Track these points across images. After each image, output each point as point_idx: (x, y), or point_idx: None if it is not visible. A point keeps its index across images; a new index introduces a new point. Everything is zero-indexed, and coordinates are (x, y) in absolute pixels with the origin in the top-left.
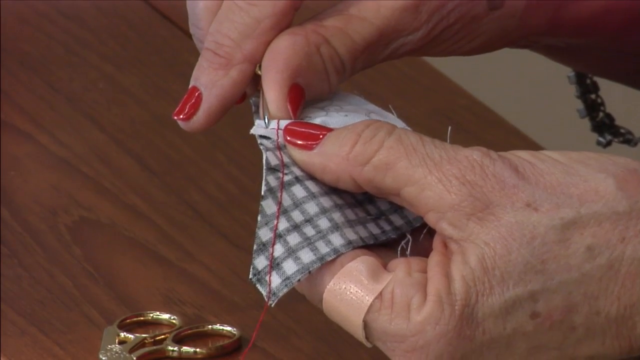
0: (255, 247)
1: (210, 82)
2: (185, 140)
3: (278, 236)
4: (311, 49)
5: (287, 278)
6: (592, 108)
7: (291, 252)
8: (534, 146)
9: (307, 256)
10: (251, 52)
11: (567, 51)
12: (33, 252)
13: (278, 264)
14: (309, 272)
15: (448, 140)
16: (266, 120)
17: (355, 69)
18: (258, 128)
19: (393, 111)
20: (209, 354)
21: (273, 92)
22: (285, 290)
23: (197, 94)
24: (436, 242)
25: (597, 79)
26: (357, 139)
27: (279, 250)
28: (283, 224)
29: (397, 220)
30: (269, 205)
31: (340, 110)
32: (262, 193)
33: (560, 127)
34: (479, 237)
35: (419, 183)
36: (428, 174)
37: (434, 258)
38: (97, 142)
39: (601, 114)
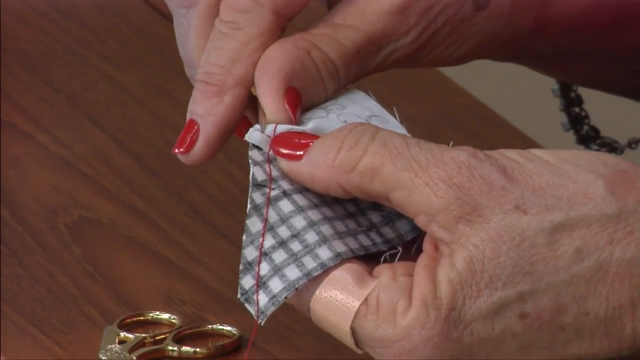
0: (241, 266)
1: (206, 111)
2: None
3: (264, 254)
4: (302, 53)
5: (274, 296)
6: (577, 121)
7: (277, 270)
8: (533, 146)
9: (292, 273)
10: (242, 75)
11: (554, 59)
12: (33, 252)
13: (264, 283)
14: (295, 288)
15: (451, 144)
16: (261, 129)
17: (349, 76)
18: (253, 132)
19: (396, 114)
20: (209, 353)
21: (269, 97)
22: (273, 308)
23: (194, 126)
24: (426, 244)
25: (581, 91)
26: (341, 145)
27: (265, 268)
28: (269, 241)
29: (389, 233)
30: (253, 224)
31: (342, 110)
32: (247, 211)
33: (559, 127)
34: (469, 239)
35: (406, 187)
36: (414, 177)
37: (422, 261)
38: (97, 142)
39: (586, 127)
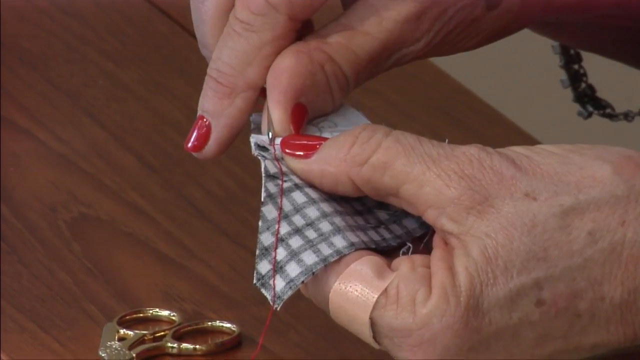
0: (257, 252)
1: (217, 111)
2: (185, 136)
3: (280, 240)
4: (315, 67)
5: (291, 280)
6: (575, 78)
7: (294, 255)
8: (533, 143)
9: (309, 258)
10: (253, 79)
11: (556, 27)
12: (32, 249)
13: (281, 267)
14: (313, 273)
15: (446, 141)
16: (269, 136)
17: (359, 82)
18: (258, 138)
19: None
20: (209, 350)
21: (277, 112)
22: (289, 293)
23: (206, 122)
24: (436, 241)
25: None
26: (355, 140)
27: (281, 253)
28: (284, 228)
29: (397, 229)
30: (269, 211)
31: (335, 128)
32: (262, 199)
33: (560, 124)
34: (480, 229)
35: (417, 180)
36: (427, 170)
37: (437, 254)
38: (96, 139)
39: (583, 85)
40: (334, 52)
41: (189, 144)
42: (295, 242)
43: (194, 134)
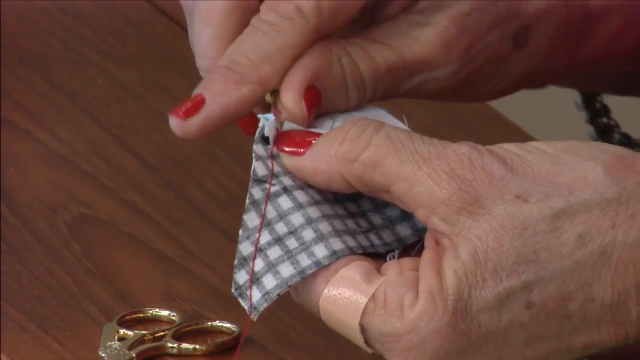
0: (236, 261)
1: (217, 91)
2: None
3: (259, 250)
4: (332, 57)
5: (267, 293)
6: (605, 131)
7: (271, 267)
8: None
9: (286, 270)
10: (267, 76)
11: (583, 79)
12: (32, 249)
13: (258, 279)
14: (289, 286)
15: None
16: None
17: (377, 92)
18: (264, 122)
19: (405, 121)
20: (209, 350)
21: (289, 93)
22: (265, 304)
23: (200, 97)
24: (428, 240)
25: (606, 100)
26: (345, 136)
27: (259, 264)
28: (265, 237)
29: (388, 236)
30: (251, 219)
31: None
32: (245, 206)
33: (561, 125)
34: (471, 231)
35: (408, 179)
36: (417, 169)
37: (426, 256)
38: (96, 139)
39: (617, 136)
40: (352, 49)
41: (175, 110)
42: (274, 252)
43: (185, 104)
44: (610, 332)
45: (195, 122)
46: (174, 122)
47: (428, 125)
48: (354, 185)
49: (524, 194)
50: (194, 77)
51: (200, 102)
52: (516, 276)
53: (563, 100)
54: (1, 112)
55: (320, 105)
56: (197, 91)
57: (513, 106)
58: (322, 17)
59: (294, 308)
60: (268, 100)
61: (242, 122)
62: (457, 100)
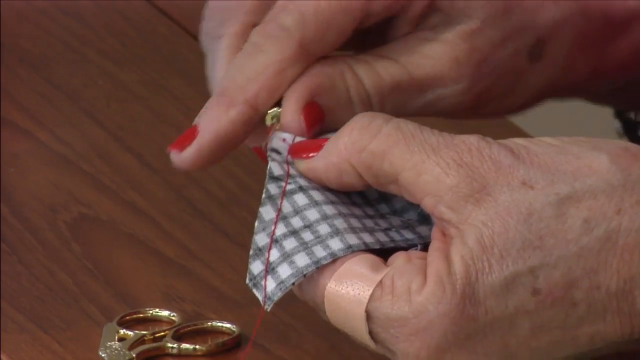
0: (251, 252)
1: (208, 118)
2: None
3: (274, 241)
4: (334, 72)
5: (282, 282)
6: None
7: (286, 256)
8: None
9: (302, 260)
10: (252, 95)
11: (610, 95)
12: (32, 249)
13: (273, 269)
14: (304, 275)
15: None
16: (279, 135)
17: (385, 109)
18: (274, 138)
19: None
20: (209, 350)
21: (288, 109)
22: (280, 294)
23: (195, 129)
24: (435, 231)
25: None
26: (354, 126)
27: (274, 255)
28: (280, 230)
29: (409, 234)
30: (267, 212)
31: None
32: (262, 200)
33: (563, 126)
34: (477, 218)
35: (416, 167)
36: (426, 158)
37: (434, 245)
38: (96, 139)
39: None
40: (357, 65)
41: (173, 143)
42: (290, 243)
43: (181, 135)
44: (616, 323)
45: (190, 151)
46: (173, 155)
47: (428, 124)
48: (364, 176)
49: (530, 181)
50: (194, 77)
51: (193, 132)
52: (522, 261)
53: (566, 101)
54: (1, 112)
55: (322, 120)
56: (194, 122)
57: None
58: (306, 30)
59: (294, 308)
60: (268, 123)
61: (256, 149)
62: (477, 117)
